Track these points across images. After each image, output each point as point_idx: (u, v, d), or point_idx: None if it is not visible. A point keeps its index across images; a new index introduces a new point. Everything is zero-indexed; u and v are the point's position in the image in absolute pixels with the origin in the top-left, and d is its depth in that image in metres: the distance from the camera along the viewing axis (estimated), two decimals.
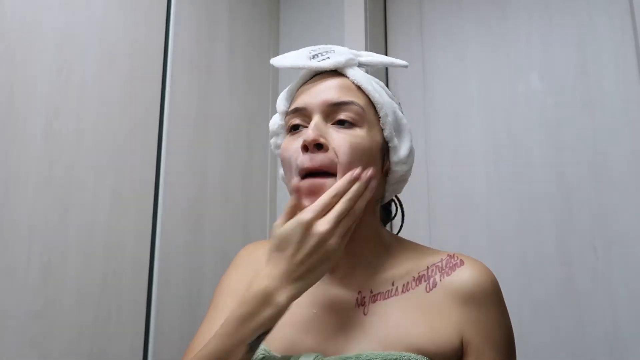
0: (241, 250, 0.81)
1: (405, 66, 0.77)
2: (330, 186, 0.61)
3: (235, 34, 1.47)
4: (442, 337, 0.62)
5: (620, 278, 1.24)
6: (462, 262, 0.67)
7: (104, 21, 1.08)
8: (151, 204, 1.14)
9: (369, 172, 0.62)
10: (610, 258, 1.25)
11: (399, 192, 0.76)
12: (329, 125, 0.66)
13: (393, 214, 0.81)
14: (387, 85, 1.63)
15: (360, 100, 0.67)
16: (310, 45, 0.74)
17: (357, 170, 0.62)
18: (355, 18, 1.54)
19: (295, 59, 0.71)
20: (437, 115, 1.54)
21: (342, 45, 1.52)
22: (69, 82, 1.00)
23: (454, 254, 0.69)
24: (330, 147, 0.64)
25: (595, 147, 1.32)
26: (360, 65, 0.73)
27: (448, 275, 0.66)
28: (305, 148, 0.64)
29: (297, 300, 0.62)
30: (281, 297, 0.57)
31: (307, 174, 0.64)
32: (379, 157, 0.68)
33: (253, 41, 1.55)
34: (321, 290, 0.68)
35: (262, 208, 1.50)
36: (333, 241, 0.58)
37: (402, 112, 0.76)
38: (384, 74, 1.63)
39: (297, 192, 0.63)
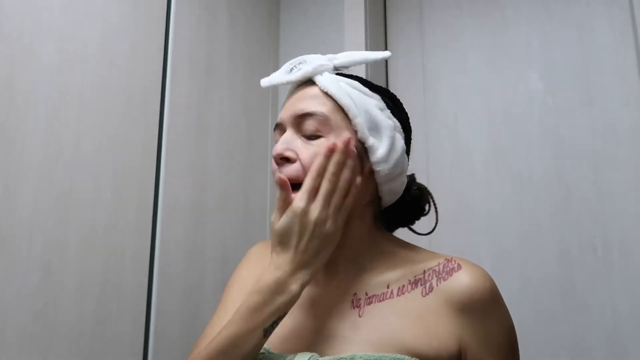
0: (252, 247, 0.83)
1: (388, 57, 0.75)
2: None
3: (235, 35, 1.47)
4: (439, 341, 0.62)
5: (621, 279, 1.23)
6: (459, 267, 0.67)
7: (104, 21, 1.08)
8: (151, 204, 1.14)
9: (343, 138, 0.65)
10: (611, 259, 1.25)
11: (398, 189, 0.74)
12: (299, 136, 0.68)
13: (426, 211, 0.80)
14: (387, 84, 1.63)
15: (324, 107, 0.68)
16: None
17: (330, 143, 0.64)
18: (355, 18, 1.54)
19: (276, 75, 0.74)
20: (437, 115, 1.54)
21: (343, 45, 1.53)
22: (69, 82, 1.00)
23: (451, 258, 0.69)
24: (297, 159, 0.66)
25: (595, 147, 1.32)
26: (336, 68, 0.74)
27: (445, 280, 0.66)
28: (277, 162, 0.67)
29: (296, 303, 0.66)
30: (294, 285, 0.61)
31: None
32: (354, 159, 0.67)
33: (253, 41, 1.55)
34: (318, 292, 0.70)
35: (262, 208, 1.50)
36: (329, 224, 0.62)
37: (394, 104, 0.74)
38: (383, 72, 1.63)
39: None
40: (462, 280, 0.65)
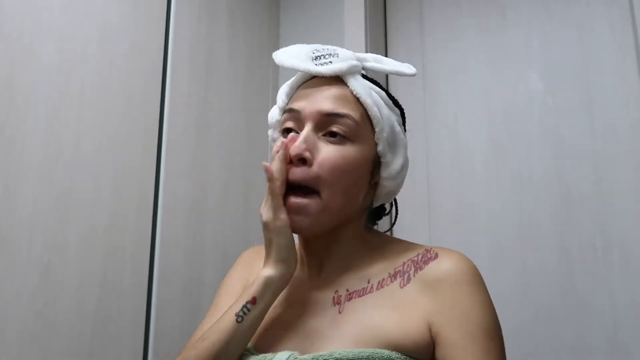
0: (244, 252, 0.82)
1: (413, 74, 0.74)
2: (314, 209, 0.64)
3: (235, 34, 1.47)
4: (414, 331, 0.60)
5: (621, 279, 1.23)
6: (436, 256, 0.65)
7: (104, 21, 1.08)
8: (151, 205, 1.14)
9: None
10: (611, 259, 1.25)
11: (388, 201, 0.76)
12: (320, 135, 0.65)
13: (387, 211, 0.80)
14: (387, 85, 1.63)
15: (356, 113, 0.66)
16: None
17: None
18: (355, 18, 1.54)
19: (297, 58, 0.69)
20: (437, 115, 1.54)
21: (343, 45, 1.53)
22: (69, 82, 1.00)
23: (430, 248, 0.67)
24: (314, 162, 0.64)
25: (595, 147, 1.32)
26: (365, 69, 0.72)
27: (421, 269, 0.65)
28: (291, 160, 0.65)
29: (279, 303, 0.69)
30: (264, 271, 0.65)
31: (291, 186, 0.65)
32: (368, 170, 0.68)
33: (253, 41, 1.55)
34: (301, 291, 0.70)
35: None
36: (264, 216, 0.64)
37: (404, 120, 0.76)
38: (383, 73, 1.62)
39: (286, 206, 0.66)
40: (437, 267, 0.64)
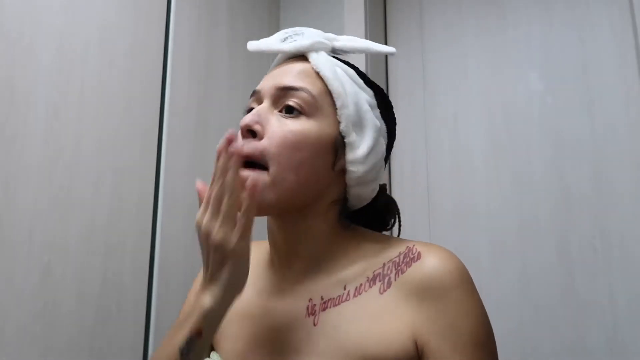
0: None
1: (392, 53, 0.70)
2: (255, 180, 0.58)
3: (235, 34, 1.47)
4: (396, 344, 0.55)
5: (621, 279, 1.23)
6: (419, 256, 0.59)
7: (104, 21, 1.08)
8: (151, 204, 1.14)
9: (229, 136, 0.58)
10: (611, 258, 1.25)
11: (367, 196, 0.67)
12: (275, 112, 0.62)
13: (389, 226, 0.73)
14: (387, 83, 1.63)
15: (314, 87, 0.62)
16: None
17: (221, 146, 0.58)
18: (355, 17, 1.54)
19: (266, 41, 0.68)
20: (437, 115, 1.54)
21: None
22: (69, 82, 1.00)
23: (413, 246, 0.61)
24: (265, 136, 0.60)
25: (595, 147, 1.32)
26: (335, 50, 0.68)
27: (403, 272, 0.59)
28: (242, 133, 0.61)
29: (249, 313, 0.64)
30: (204, 298, 0.55)
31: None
32: (329, 150, 0.61)
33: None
34: (273, 301, 0.64)
35: None
36: (217, 235, 0.55)
37: (384, 104, 0.69)
38: (383, 72, 1.63)
39: None
40: (421, 269, 0.58)
